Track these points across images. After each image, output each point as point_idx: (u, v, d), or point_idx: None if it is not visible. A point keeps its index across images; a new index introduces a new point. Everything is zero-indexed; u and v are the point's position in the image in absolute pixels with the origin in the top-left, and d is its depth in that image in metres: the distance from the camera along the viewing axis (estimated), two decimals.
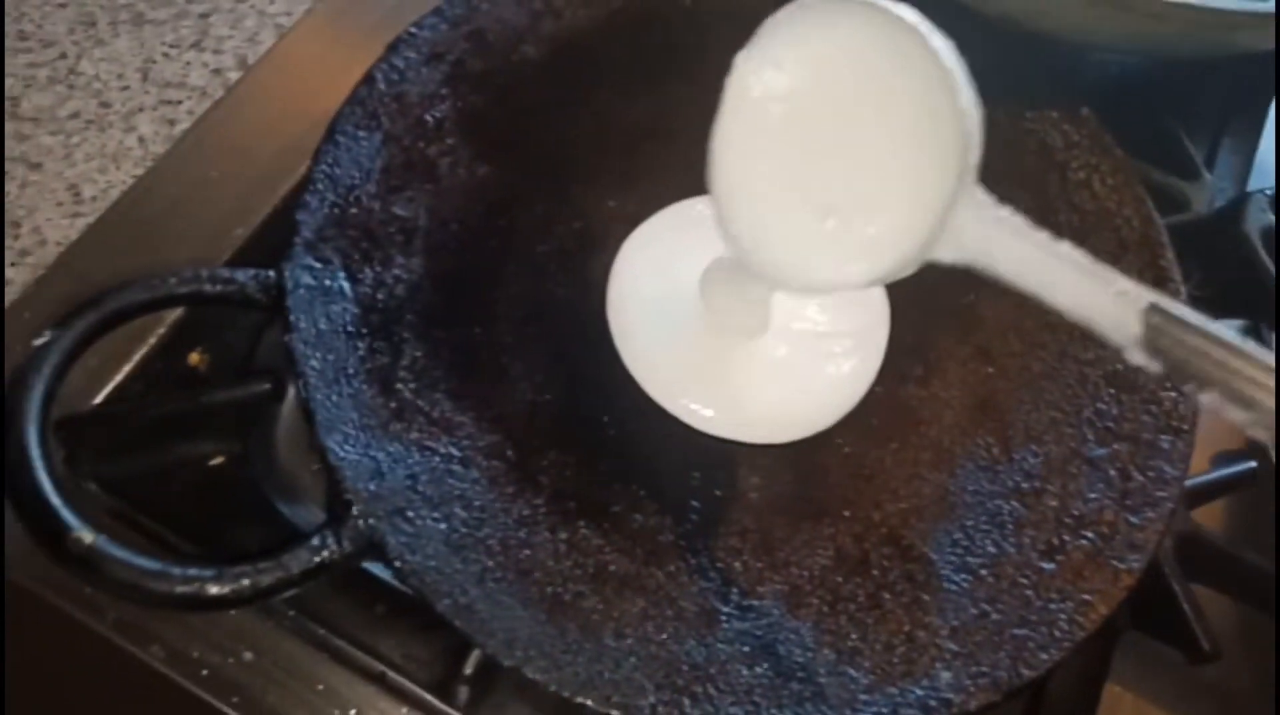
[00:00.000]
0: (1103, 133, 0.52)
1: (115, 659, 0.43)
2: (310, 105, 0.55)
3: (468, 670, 0.42)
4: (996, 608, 0.43)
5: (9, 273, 0.50)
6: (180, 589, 0.36)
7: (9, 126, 0.54)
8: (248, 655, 0.43)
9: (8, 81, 0.55)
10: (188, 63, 0.57)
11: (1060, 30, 0.52)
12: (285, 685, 0.43)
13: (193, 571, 0.36)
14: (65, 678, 0.45)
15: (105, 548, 0.35)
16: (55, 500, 0.35)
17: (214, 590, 0.36)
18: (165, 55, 0.57)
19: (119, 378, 0.47)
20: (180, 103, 0.56)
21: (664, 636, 0.40)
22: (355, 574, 0.45)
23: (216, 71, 0.57)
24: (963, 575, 0.44)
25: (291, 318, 0.42)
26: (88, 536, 0.35)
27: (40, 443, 0.36)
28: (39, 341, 0.38)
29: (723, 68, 0.42)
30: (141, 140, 0.55)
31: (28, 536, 0.36)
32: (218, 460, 0.48)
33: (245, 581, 0.37)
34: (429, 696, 0.43)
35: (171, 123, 0.55)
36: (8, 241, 0.51)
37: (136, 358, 0.48)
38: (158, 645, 0.43)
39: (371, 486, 0.40)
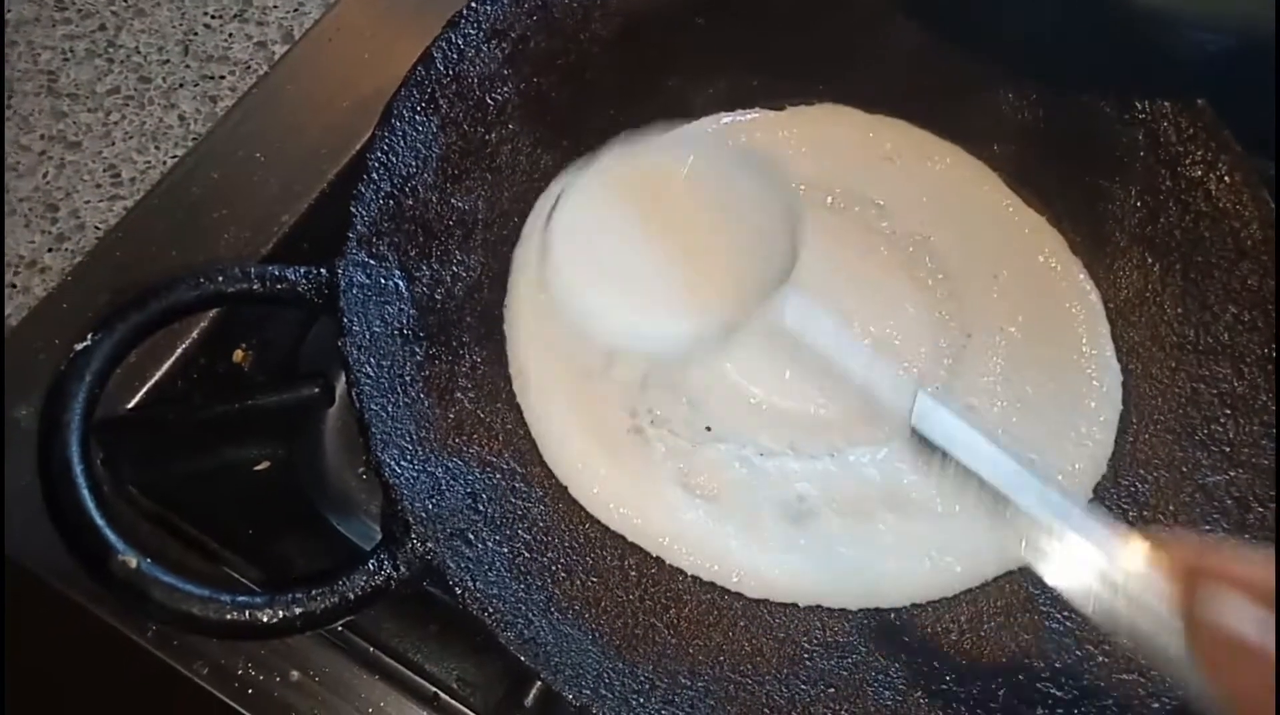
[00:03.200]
0: (1220, 125, 0.47)
1: (158, 674, 0.41)
2: (360, 82, 0.52)
3: (528, 702, 0.40)
4: (1103, 650, 0.39)
5: (47, 259, 0.47)
6: (230, 616, 0.33)
7: (47, 103, 0.51)
8: (295, 674, 0.40)
9: (45, 55, 0.52)
10: (230, 35, 0.54)
11: (1174, 9, 0.47)
12: (334, 706, 0.40)
13: (242, 599, 0.34)
14: (106, 692, 0.43)
15: (151, 572, 0.33)
16: (99, 520, 0.33)
17: (264, 618, 0.34)
18: (207, 27, 0.54)
19: (158, 376, 0.45)
20: (223, 78, 0.53)
21: (742, 676, 0.37)
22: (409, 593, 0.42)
23: (261, 44, 0.54)
24: (1066, 612, 0.40)
25: (345, 320, 0.39)
26: (133, 560, 0.33)
27: (83, 456, 0.34)
28: (80, 346, 0.36)
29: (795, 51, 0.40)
30: (183, 118, 0.52)
31: (71, 557, 0.33)
32: (263, 465, 0.45)
33: (297, 609, 0.34)
34: None
35: (214, 99, 0.52)
36: (45, 227, 0.48)
37: (177, 354, 0.45)
38: (202, 661, 0.40)
39: (430, 505, 0.37)
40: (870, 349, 0.38)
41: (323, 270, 0.40)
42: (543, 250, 0.42)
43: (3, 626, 0.41)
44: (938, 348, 0.45)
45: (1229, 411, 0.44)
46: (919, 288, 0.46)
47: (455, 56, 0.45)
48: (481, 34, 0.46)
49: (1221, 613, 0.26)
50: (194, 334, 0.46)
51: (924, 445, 0.33)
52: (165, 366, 0.45)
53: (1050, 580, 0.30)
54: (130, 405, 0.44)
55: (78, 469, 0.34)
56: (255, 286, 0.39)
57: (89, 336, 0.36)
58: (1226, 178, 0.47)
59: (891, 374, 0.36)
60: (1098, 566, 0.29)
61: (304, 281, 0.40)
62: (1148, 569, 0.29)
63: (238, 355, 0.47)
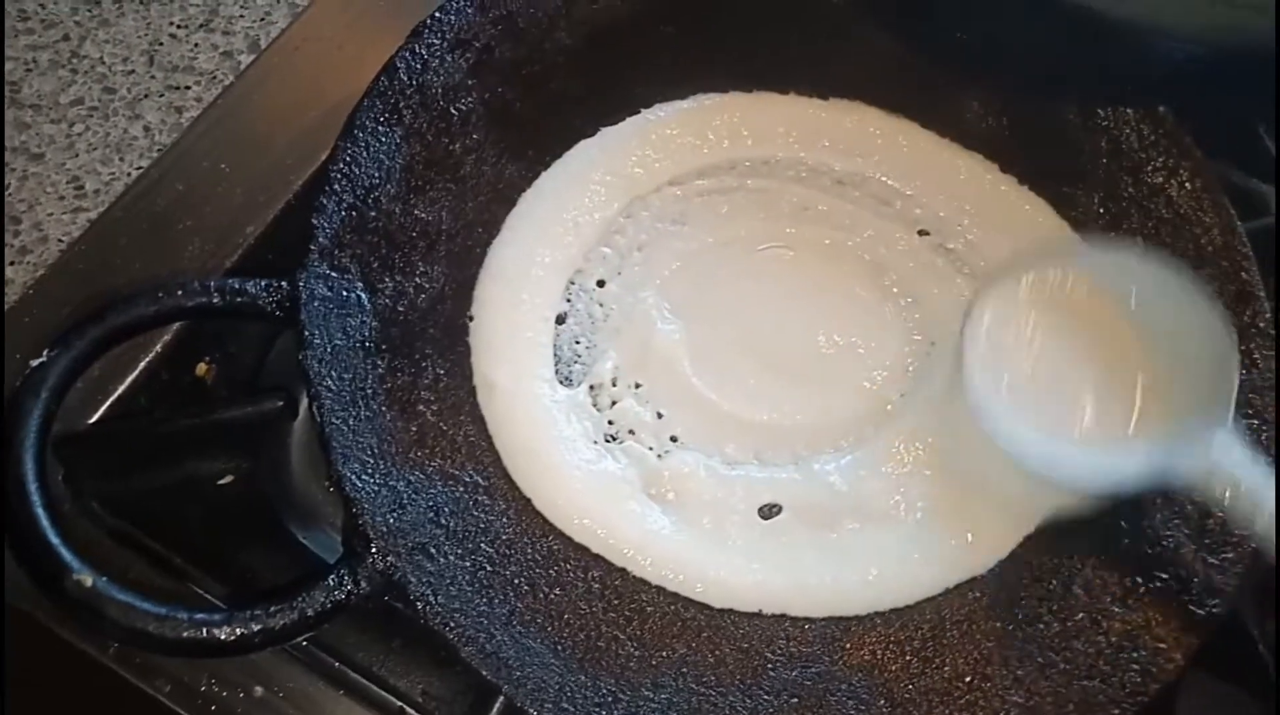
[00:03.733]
0: (1181, 132, 0.48)
1: (119, 692, 0.40)
2: (326, 92, 0.52)
3: (492, 714, 0.40)
4: (1064, 656, 0.39)
5: (9, 272, 0.47)
6: (187, 634, 0.33)
7: (10, 114, 0.51)
8: (258, 690, 0.40)
9: (8, 65, 0.52)
10: (196, 44, 0.54)
11: (1140, 17, 0.48)
12: None
13: (200, 616, 0.33)
14: (67, 708, 0.42)
15: (107, 590, 0.33)
16: (54, 538, 0.33)
17: (223, 635, 0.34)
18: (172, 37, 0.54)
19: (121, 390, 0.44)
20: (188, 88, 0.53)
21: (705, 687, 0.37)
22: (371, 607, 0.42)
23: (227, 54, 0.54)
24: (1027, 620, 0.40)
25: (306, 333, 0.39)
26: (88, 578, 0.33)
27: (38, 474, 0.34)
28: (36, 362, 0.35)
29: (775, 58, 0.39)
30: (147, 129, 0.51)
31: (25, 576, 0.33)
32: (227, 479, 0.45)
33: (256, 626, 0.34)
34: None
35: (179, 110, 0.52)
36: (8, 239, 0.48)
37: (140, 368, 0.45)
38: (163, 679, 0.40)
39: (391, 520, 0.37)
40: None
41: (284, 283, 0.40)
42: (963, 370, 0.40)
43: None
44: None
45: None
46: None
47: (419, 67, 0.45)
48: (445, 44, 0.46)
49: None
50: (157, 347, 0.45)
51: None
52: (128, 381, 0.45)
53: None
54: (92, 420, 0.44)
55: (32, 486, 0.33)
56: (215, 300, 0.39)
57: (45, 352, 0.36)
58: (1188, 184, 0.47)
59: None
60: None
61: (264, 294, 0.39)
62: None
63: (201, 369, 0.46)
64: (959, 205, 0.48)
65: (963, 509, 0.42)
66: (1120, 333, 0.40)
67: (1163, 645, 0.39)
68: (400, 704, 0.41)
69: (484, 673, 0.35)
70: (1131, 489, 0.38)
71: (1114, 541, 0.42)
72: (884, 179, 0.49)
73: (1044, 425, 0.39)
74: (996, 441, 0.38)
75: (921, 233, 0.48)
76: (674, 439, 0.43)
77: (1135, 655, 0.39)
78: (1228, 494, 0.36)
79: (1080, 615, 0.40)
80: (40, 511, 0.33)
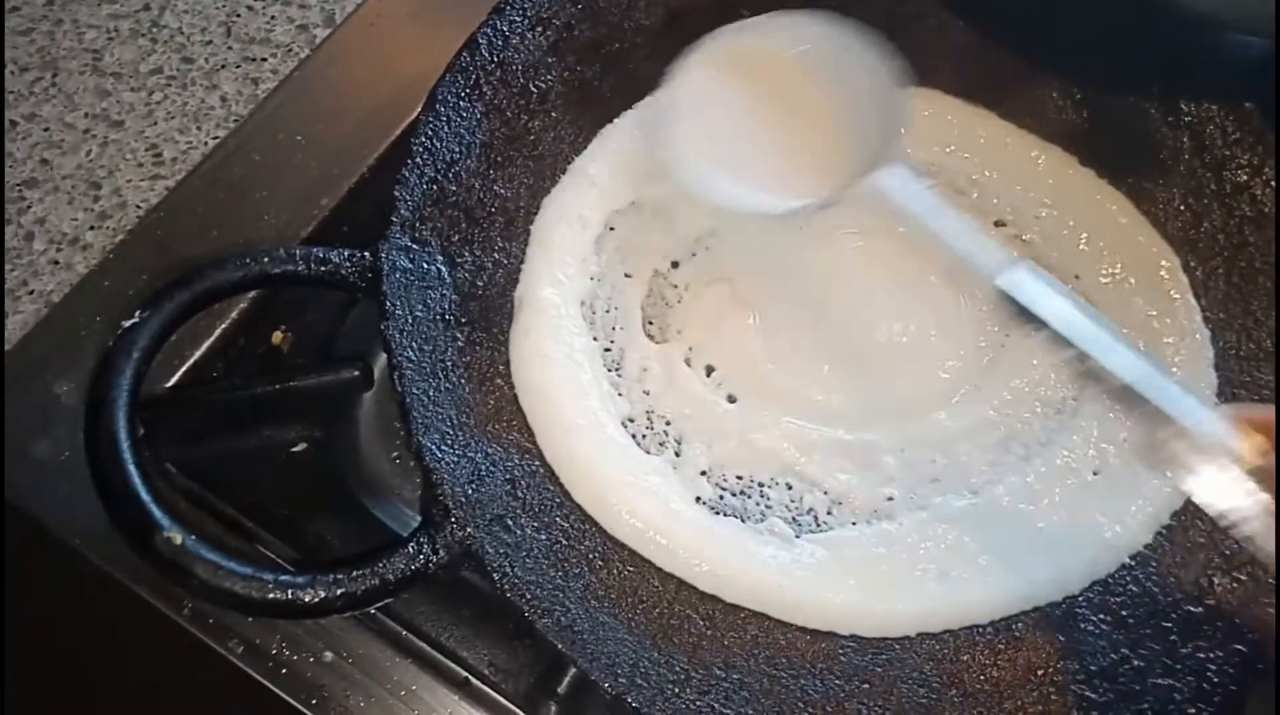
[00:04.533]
0: (1267, 130, 0.47)
1: (193, 650, 0.41)
2: (400, 67, 0.52)
3: (561, 689, 0.40)
4: (1138, 654, 0.39)
5: (88, 237, 0.47)
6: (272, 595, 0.34)
7: (91, 81, 0.52)
8: (328, 655, 0.41)
9: (90, 34, 0.53)
10: (272, 18, 0.54)
11: (1222, 13, 0.47)
12: (366, 687, 0.40)
13: (284, 578, 0.34)
14: (141, 666, 0.43)
15: (195, 549, 0.33)
16: (145, 495, 0.33)
17: (306, 598, 0.34)
18: (249, 9, 0.54)
19: (198, 356, 0.45)
20: (264, 60, 0.53)
21: (776, 669, 0.37)
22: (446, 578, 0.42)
23: (302, 27, 0.54)
24: (1101, 615, 0.40)
25: (388, 304, 0.39)
26: (178, 536, 0.33)
27: (130, 433, 0.34)
28: (127, 323, 0.36)
29: None
30: (224, 100, 0.52)
31: (116, 531, 0.34)
32: (300, 447, 0.46)
33: (338, 590, 0.34)
34: (516, 709, 0.41)
35: (255, 81, 0.52)
36: (88, 204, 0.48)
37: (217, 334, 0.45)
38: (236, 639, 0.41)
39: (470, 491, 0.38)
40: (964, 217, 0.38)
41: (366, 254, 0.40)
42: (659, 117, 0.43)
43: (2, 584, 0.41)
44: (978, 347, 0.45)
45: None
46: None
47: (500, 43, 0.45)
48: (526, 21, 0.46)
49: None
50: (233, 315, 0.46)
51: (1014, 310, 0.35)
52: (204, 347, 0.45)
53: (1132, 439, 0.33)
54: (169, 384, 0.44)
55: (124, 445, 0.34)
56: (300, 268, 0.39)
57: (137, 313, 0.36)
58: (1272, 182, 0.46)
59: (987, 241, 0.37)
60: (1180, 427, 0.30)
61: (347, 264, 0.40)
62: (1230, 429, 0.30)
63: (276, 337, 0.47)
64: (1036, 197, 0.48)
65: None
66: (804, 91, 0.43)
67: (1239, 647, 0.39)
68: (466, 675, 0.41)
69: (559, 645, 0.36)
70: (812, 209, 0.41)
71: (1189, 540, 0.41)
72: (960, 168, 0.48)
73: (733, 169, 0.42)
74: (687, 182, 0.42)
75: (998, 223, 0.48)
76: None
77: (1211, 656, 0.39)
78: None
79: (1156, 614, 0.40)
80: (132, 469, 0.34)
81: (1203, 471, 0.30)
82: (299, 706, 0.40)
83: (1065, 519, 0.41)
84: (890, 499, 0.42)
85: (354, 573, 0.35)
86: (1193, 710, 0.37)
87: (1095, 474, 0.42)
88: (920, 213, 0.38)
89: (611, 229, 0.45)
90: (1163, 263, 0.46)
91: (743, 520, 0.41)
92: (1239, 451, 0.30)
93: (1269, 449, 0.29)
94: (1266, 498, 0.29)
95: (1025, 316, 0.35)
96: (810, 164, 0.42)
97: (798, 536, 0.41)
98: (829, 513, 0.42)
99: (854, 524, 0.41)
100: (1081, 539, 0.41)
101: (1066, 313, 0.34)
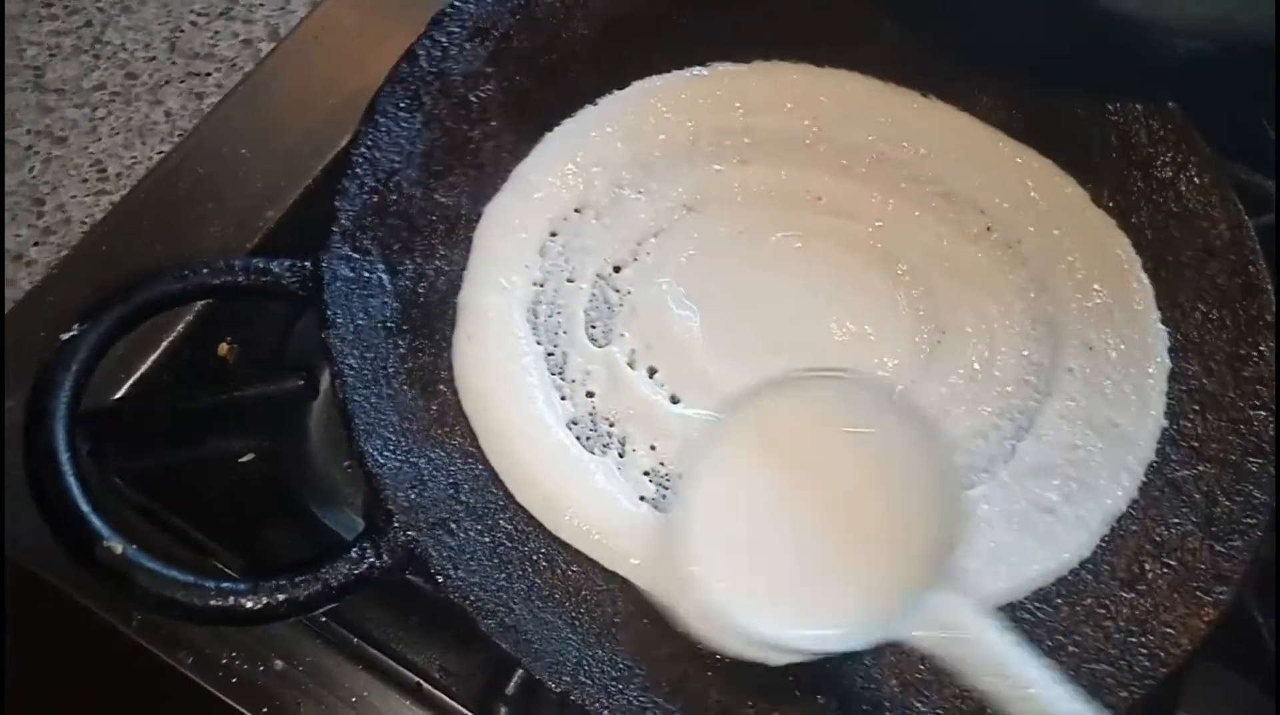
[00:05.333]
0: (1190, 128, 0.48)
1: (142, 663, 0.41)
2: (345, 79, 0.52)
3: (510, 690, 0.40)
4: (1073, 640, 0.40)
5: (32, 253, 0.47)
6: (214, 602, 0.34)
7: (33, 98, 0.52)
8: (279, 663, 0.41)
9: (31, 51, 0.53)
10: (216, 32, 0.54)
11: (1144, 11, 0.48)
12: (317, 695, 0.41)
13: (226, 585, 0.34)
14: (90, 680, 0.43)
15: (136, 558, 0.33)
16: (85, 506, 0.33)
17: (249, 604, 0.34)
18: (193, 24, 0.54)
19: (144, 368, 0.45)
20: (209, 75, 0.53)
21: (721, 660, 0.38)
22: (390, 581, 0.43)
23: (247, 42, 0.54)
24: (1037, 603, 0.41)
25: (329, 312, 0.40)
26: (118, 546, 0.33)
27: (69, 445, 0.34)
28: (66, 336, 0.36)
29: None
30: (169, 115, 0.52)
31: (56, 543, 0.34)
32: (247, 457, 0.46)
33: (281, 596, 0.35)
34: (467, 713, 0.41)
35: (200, 96, 0.53)
36: (31, 220, 0.48)
37: (163, 347, 0.46)
38: (185, 650, 0.41)
39: (413, 495, 0.38)
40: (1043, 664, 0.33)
41: (307, 263, 0.40)
42: (672, 534, 0.36)
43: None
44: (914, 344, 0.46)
45: (1197, 407, 0.45)
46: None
47: (439, 54, 0.46)
48: (465, 32, 0.47)
49: None
50: (179, 327, 0.46)
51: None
52: (151, 359, 0.45)
53: None
54: (116, 397, 0.45)
55: (63, 456, 0.34)
56: (239, 278, 0.40)
57: (75, 327, 0.37)
58: (1196, 179, 0.48)
59: (1070, 695, 0.32)
60: None
61: (288, 274, 0.40)
62: None
63: (223, 348, 0.47)
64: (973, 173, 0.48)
65: None
66: (847, 481, 0.36)
67: (1170, 631, 0.40)
68: (418, 679, 0.42)
69: (503, 646, 0.36)
70: (859, 648, 0.35)
71: (1122, 528, 0.42)
72: (889, 149, 0.49)
73: (769, 603, 0.35)
74: (712, 614, 0.35)
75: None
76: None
77: (1143, 640, 0.40)
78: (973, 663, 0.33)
79: (1089, 600, 0.41)
80: (71, 480, 0.34)
81: None
82: None
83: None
84: None
85: (297, 578, 0.35)
86: (1124, 694, 0.38)
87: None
88: (992, 653, 0.33)
89: (554, 235, 0.46)
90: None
91: None
92: None
93: None
94: None
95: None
96: (860, 580, 0.35)
97: None
98: None
99: None
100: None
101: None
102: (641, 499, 0.41)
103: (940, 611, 0.33)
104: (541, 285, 0.45)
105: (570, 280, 0.45)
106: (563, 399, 0.43)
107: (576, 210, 0.47)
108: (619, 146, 0.47)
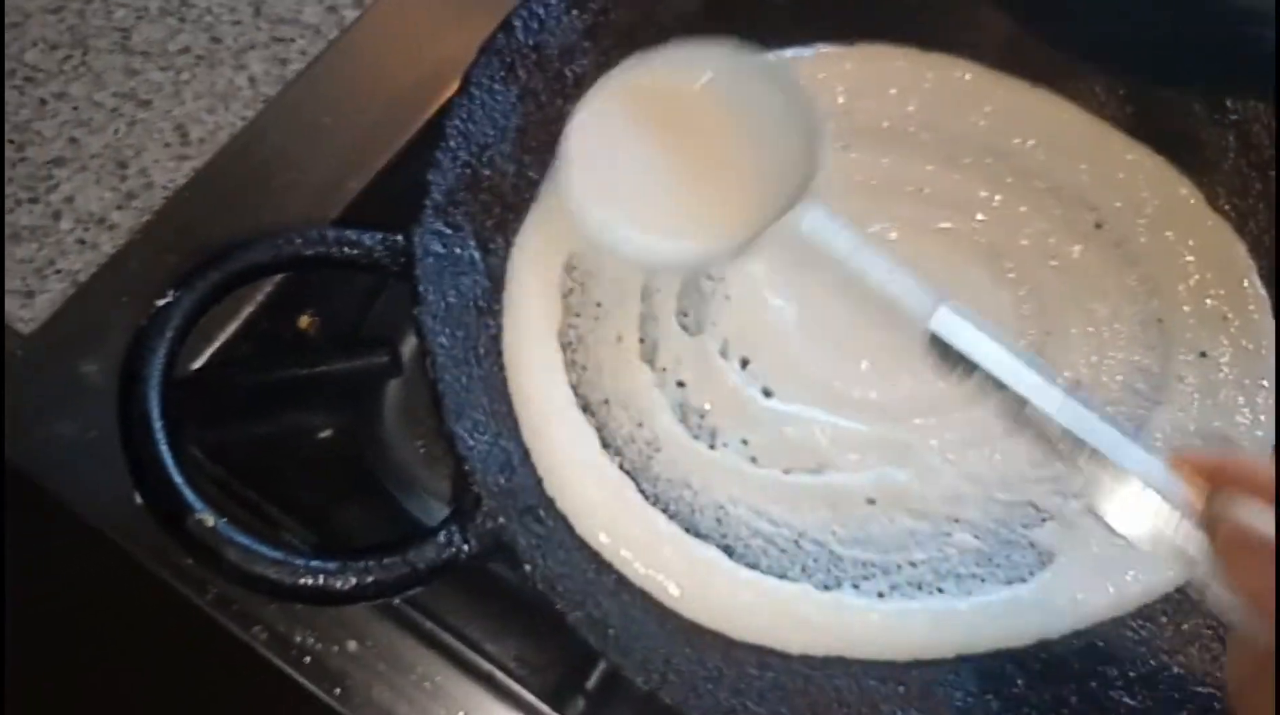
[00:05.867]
0: None
1: (216, 637, 0.40)
2: (430, 49, 0.51)
3: (590, 684, 0.39)
4: (1177, 660, 0.38)
5: (115, 216, 0.47)
6: (303, 581, 0.33)
7: (119, 60, 0.51)
8: (352, 645, 0.40)
9: (120, 13, 0.52)
10: None
11: (1270, 6, 0.46)
12: (389, 679, 0.40)
13: (315, 564, 0.33)
14: (162, 651, 0.43)
15: (227, 532, 0.33)
16: (178, 477, 0.33)
17: (338, 584, 0.34)
18: None
19: (225, 338, 0.44)
20: (293, 41, 0.52)
21: (811, 669, 0.37)
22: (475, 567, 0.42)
23: (332, 9, 0.53)
24: (1140, 620, 0.39)
25: (420, 289, 0.38)
26: (210, 519, 0.33)
27: (162, 413, 0.34)
28: (161, 302, 0.35)
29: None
30: (252, 80, 0.51)
31: (148, 513, 0.33)
32: (325, 433, 0.45)
33: (370, 578, 0.34)
34: (542, 704, 0.40)
35: (284, 62, 0.52)
36: (115, 184, 0.48)
37: (243, 317, 0.45)
38: (260, 626, 0.40)
39: (502, 480, 0.37)
40: (889, 258, 0.35)
41: (399, 238, 0.39)
42: (559, 167, 0.40)
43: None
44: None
45: None
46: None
47: (536, 26, 0.45)
48: (562, 4, 0.45)
49: (1240, 513, 0.27)
50: (260, 298, 0.45)
51: (944, 353, 0.33)
52: (231, 329, 0.45)
53: (1075, 487, 0.32)
54: (196, 366, 0.44)
55: (157, 425, 0.33)
56: (332, 250, 0.39)
57: (169, 293, 0.36)
58: None
59: (913, 282, 0.35)
60: (1120, 473, 0.30)
61: (380, 247, 0.39)
62: (1171, 476, 0.29)
63: (303, 321, 0.46)
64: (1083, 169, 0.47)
65: None
66: (715, 126, 0.40)
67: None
68: (490, 668, 0.41)
69: (590, 640, 0.35)
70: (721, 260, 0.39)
71: None
72: (995, 140, 0.47)
73: (640, 219, 0.39)
74: (593, 237, 0.38)
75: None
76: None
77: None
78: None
79: (1195, 619, 0.39)
80: (165, 450, 0.33)
81: (1147, 519, 0.29)
82: (321, 695, 0.39)
83: None
84: (926, 498, 0.41)
85: (385, 560, 0.34)
86: None
87: None
88: (844, 253, 0.36)
89: None
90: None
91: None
92: (1184, 498, 0.29)
93: (1212, 493, 0.28)
94: (1207, 544, 0.28)
95: (955, 360, 0.33)
96: (724, 206, 0.39)
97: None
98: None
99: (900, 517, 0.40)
100: None
101: (999, 356, 0.32)
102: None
103: (804, 220, 0.37)
104: None
105: None
106: (654, 387, 0.41)
107: None
108: None
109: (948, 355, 0.33)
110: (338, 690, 0.39)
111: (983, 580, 0.39)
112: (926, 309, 0.34)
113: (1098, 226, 0.46)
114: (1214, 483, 0.29)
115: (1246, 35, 0.47)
